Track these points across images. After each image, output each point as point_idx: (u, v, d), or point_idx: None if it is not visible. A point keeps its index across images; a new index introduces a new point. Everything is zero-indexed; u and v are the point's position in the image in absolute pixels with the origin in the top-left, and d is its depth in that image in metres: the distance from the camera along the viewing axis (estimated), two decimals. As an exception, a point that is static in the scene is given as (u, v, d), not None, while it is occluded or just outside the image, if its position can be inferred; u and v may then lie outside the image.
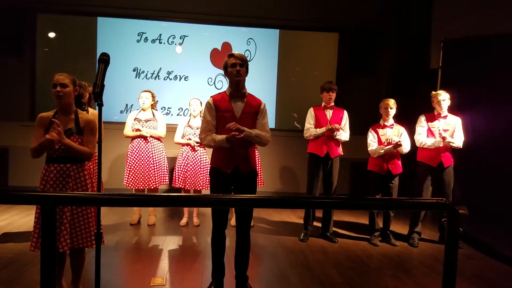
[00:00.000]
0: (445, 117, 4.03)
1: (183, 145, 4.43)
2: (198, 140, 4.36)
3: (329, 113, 4.10)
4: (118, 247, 3.66)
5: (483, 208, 5.35)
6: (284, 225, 4.79)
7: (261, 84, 6.25)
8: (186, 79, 6.23)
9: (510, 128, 5.09)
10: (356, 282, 3.10)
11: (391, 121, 4.09)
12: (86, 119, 2.48)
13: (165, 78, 6.19)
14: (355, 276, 3.22)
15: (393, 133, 4.06)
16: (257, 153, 4.11)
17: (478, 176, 5.28)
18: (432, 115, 4.08)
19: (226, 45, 6.30)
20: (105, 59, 1.99)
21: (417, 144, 4.09)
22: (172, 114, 6.17)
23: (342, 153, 4.14)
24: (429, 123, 4.04)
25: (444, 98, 3.97)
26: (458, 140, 3.98)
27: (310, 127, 4.10)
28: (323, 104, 4.14)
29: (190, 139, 4.35)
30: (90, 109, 3.33)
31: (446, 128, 4.00)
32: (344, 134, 4.07)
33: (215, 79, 6.30)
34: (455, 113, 4.12)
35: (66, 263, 2.60)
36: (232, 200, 1.57)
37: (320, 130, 4.00)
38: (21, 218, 4.48)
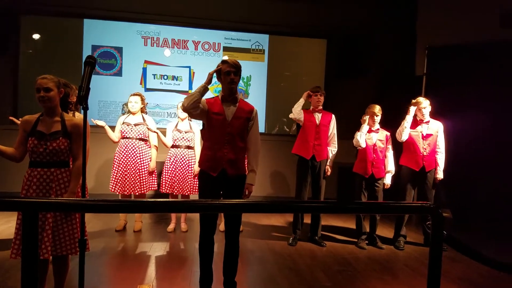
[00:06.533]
0: (427, 122, 4.11)
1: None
2: (189, 144, 4.35)
3: (317, 116, 4.13)
4: (103, 254, 3.60)
5: (466, 211, 5.45)
6: (273, 229, 4.78)
7: (251, 88, 6.27)
8: (176, 82, 6.21)
9: (492, 133, 5.22)
10: (343, 285, 3.11)
11: (377, 126, 4.15)
12: (73, 123, 2.42)
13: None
14: (343, 279, 3.23)
15: (378, 137, 4.12)
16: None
17: (460, 179, 5.39)
18: (414, 121, 4.14)
19: (214, 50, 6.31)
20: (91, 62, 1.97)
21: (398, 138, 4.12)
22: (161, 117, 6.14)
23: (329, 157, 4.17)
24: (411, 129, 4.10)
25: (425, 105, 4.06)
26: (440, 146, 4.12)
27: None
28: (311, 107, 4.17)
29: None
30: (76, 113, 3.28)
31: (429, 133, 4.09)
32: (333, 148, 4.18)
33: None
34: (438, 119, 4.20)
35: (49, 270, 2.54)
36: (220, 205, 1.55)
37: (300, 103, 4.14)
38: (1, 225, 4.38)
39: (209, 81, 2.67)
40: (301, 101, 4.18)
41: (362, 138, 4.06)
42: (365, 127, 4.07)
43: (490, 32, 5.21)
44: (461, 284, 3.23)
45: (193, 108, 2.65)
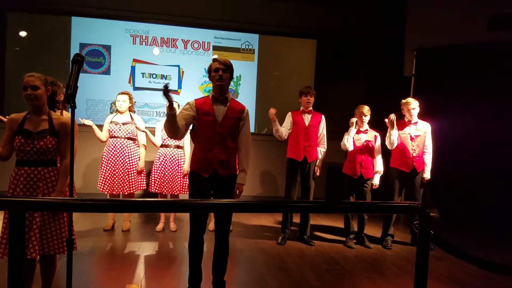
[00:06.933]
0: (415, 123, 4.15)
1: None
2: (178, 144, 4.33)
3: (307, 117, 4.15)
4: (91, 254, 3.57)
5: (453, 211, 5.54)
6: (262, 229, 4.79)
7: (241, 88, 6.27)
8: (165, 81, 6.18)
9: (480, 133, 5.30)
10: (332, 284, 3.14)
11: (365, 126, 4.18)
12: (61, 122, 2.40)
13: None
14: (331, 278, 3.26)
15: (367, 138, 4.16)
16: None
17: (447, 179, 5.47)
18: (402, 122, 4.19)
19: (204, 49, 6.29)
20: (79, 60, 1.94)
21: (389, 146, 4.15)
22: (150, 116, 6.10)
23: (319, 157, 4.20)
24: (400, 131, 4.14)
25: (414, 106, 4.10)
26: (428, 147, 4.17)
27: (282, 128, 4.10)
28: (301, 108, 4.19)
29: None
30: (64, 112, 3.24)
31: (417, 134, 4.13)
32: (322, 149, 4.19)
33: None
34: (426, 119, 4.25)
35: (36, 270, 2.50)
36: (210, 205, 1.55)
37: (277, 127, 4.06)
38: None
39: (170, 104, 2.44)
40: (276, 124, 3.99)
41: (350, 141, 4.09)
42: (352, 130, 4.09)
43: (478, 34, 5.29)
44: (447, 283, 3.28)
45: (176, 132, 2.60)
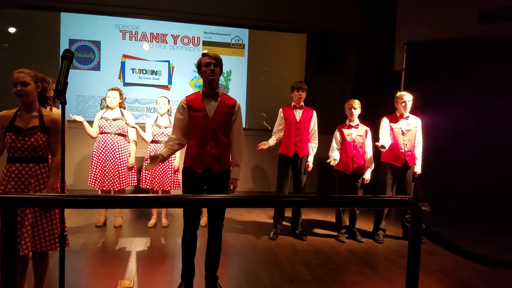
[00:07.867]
0: (407, 117, 4.18)
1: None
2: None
3: (298, 112, 4.16)
4: (83, 250, 3.55)
5: (444, 205, 5.60)
6: (254, 224, 4.81)
7: (231, 83, 6.25)
8: (155, 77, 6.13)
9: (470, 127, 5.35)
10: (324, 278, 3.17)
11: (356, 121, 4.20)
12: (51, 118, 2.38)
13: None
14: (323, 273, 3.29)
15: (358, 133, 4.17)
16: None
17: (438, 174, 5.52)
18: (394, 116, 4.22)
19: (195, 44, 6.25)
20: (68, 56, 1.92)
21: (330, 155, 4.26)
22: (141, 112, 6.06)
23: (310, 153, 4.21)
24: (392, 124, 4.18)
25: (409, 99, 4.12)
26: (419, 141, 4.21)
27: (275, 133, 4.25)
28: (292, 103, 4.19)
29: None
30: (54, 108, 3.20)
31: (408, 128, 4.16)
32: (313, 144, 4.22)
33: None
34: (417, 114, 4.28)
35: (29, 266, 2.49)
36: (202, 200, 1.55)
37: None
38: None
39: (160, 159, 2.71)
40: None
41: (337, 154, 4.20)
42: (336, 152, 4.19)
43: (469, 28, 5.31)
44: (439, 276, 3.32)
45: (178, 146, 2.78)
